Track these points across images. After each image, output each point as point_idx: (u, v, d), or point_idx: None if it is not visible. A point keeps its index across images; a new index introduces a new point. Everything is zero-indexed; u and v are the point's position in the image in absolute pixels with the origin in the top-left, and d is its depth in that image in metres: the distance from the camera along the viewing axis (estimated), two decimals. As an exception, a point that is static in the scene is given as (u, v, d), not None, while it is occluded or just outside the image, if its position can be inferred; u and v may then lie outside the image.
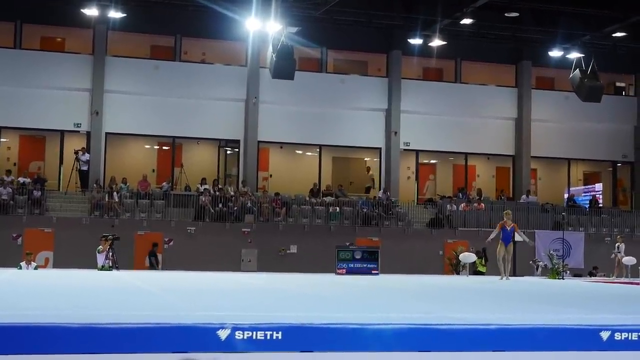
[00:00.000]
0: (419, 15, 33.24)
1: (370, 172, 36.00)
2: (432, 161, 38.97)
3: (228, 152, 35.66)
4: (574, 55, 33.69)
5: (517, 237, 22.48)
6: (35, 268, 23.72)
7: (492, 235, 21.58)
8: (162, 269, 28.92)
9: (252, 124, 34.17)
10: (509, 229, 20.88)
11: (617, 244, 29.42)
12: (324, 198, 33.59)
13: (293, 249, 31.52)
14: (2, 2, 31.78)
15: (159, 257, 30.11)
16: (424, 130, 36.55)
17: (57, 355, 6.74)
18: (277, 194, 32.93)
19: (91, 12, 30.95)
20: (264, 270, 28.81)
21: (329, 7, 31.61)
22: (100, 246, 22.11)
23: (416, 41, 34.28)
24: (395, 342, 7.45)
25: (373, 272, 23.68)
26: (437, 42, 33.99)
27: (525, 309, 10.57)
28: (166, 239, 30.46)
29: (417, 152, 37.21)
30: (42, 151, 33.85)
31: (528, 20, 34.84)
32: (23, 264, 23.56)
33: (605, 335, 7.65)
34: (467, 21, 32.79)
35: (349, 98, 35.68)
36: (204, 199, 31.38)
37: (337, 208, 33.01)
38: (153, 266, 29.58)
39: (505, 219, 21.18)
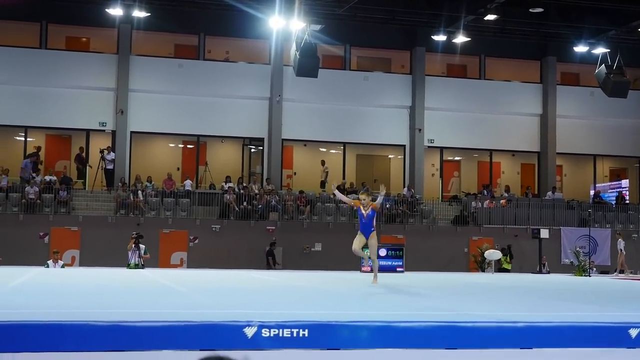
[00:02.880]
0: (442, 11, 33.11)
1: (325, 166, 35.67)
2: (457, 158, 38.83)
3: (252, 150, 35.73)
4: (600, 50, 33.44)
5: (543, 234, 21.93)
6: (62, 266, 23.93)
7: (340, 196, 16.72)
8: (278, 268, 29.07)
9: (276, 121, 34.23)
10: (365, 213, 14.47)
11: (618, 240, 29.16)
12: (348, 195, 33.53)
13: (317, 247, 31.53)
14: (28, 3, 32.04)
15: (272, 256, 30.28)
16: (448, 127, 36.43)
17: (86, 353, 6.80)
18: (301, 191, 32.97)
19: (115, 11, 31.13)
20: (289, 268, 28.90)
21: (352, 5, 31.57)
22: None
23: (440, 38, 34.15)
24: (421, 340, 7.45)
25: (398, 269, 23.68)
26: (461, 39, 33.84)
27: (552, 306, 10.52)
28: (191, 237, 30.58)
29: (442, 149, 37.10)
30: (68, 150, 34.09)
31: (553, 16, 34.59)
32: (50, 262, 23.76)
33: (634, 332, 7.60)
34: (491, 17, 32.61)
35: (373, 95, 35.64)
36: (228, 197, 31.47)
37: (362, 205, 32.91)
38: (270, 266, 29.69)
39: (361, 198, 14.55)
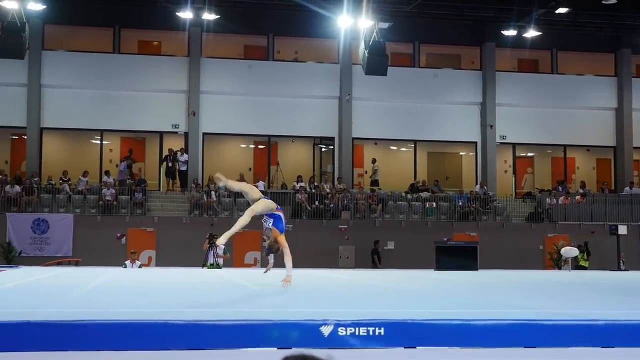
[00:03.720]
0: (512, 6, 32.67)
1: (375, 164, 35.33)
2: (530, 154, 38.26)
3: (323, 149, 35.82)
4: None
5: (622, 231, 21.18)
6: (140, 266, 24.33)
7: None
8: (381, 267, 29.26)
9: (346, 120, 34.25)
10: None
11: None
12: (420, 194, 33.40)
13: (390, 245, 31.44)
14: (101, 9, 32.72)
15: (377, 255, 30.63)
16: (521, 123, 35.92)
17: (163, 352, 6.91)
18: (372, 190, 32.93)
19: (186, 15, 31.55)
20: (362, 267, 28.90)
21: (420, 2, 31.39)
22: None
23: (510, 32, 33.71)
24: (500, 338, 7.38)
25: (472, 267, 23.45)
26: (531, 33, 33.33)
27: (633, 303, 10.31)
28: (264, 237, 30.75)
29: (514, 145, 36.61)
30: (143, 152, 34.69)
31: (626, 7, 33.82)
32: (128, 262, 24.19)
33: None
34: (562, 10, 32.04)
35: (443, 92, 35.38)
36: (300, 196, 31.62)
37: (434, 203, 32.78)
38: (375, 264, 29.92)
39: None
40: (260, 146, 35.65)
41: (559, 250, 28.74)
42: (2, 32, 27.26)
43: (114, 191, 30.61)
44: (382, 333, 7.25)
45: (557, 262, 29.95)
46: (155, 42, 35.66)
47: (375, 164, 34.90)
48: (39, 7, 29.87)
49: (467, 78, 35.72)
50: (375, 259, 30.41)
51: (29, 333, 6.78)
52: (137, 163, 34.07)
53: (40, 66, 32.34)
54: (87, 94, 32.87)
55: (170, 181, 33.10)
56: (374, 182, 34.46)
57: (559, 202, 33.37)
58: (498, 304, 9.93)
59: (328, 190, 32.44)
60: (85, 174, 31.77)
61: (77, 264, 27.67)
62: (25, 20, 27.68)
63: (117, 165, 33.91)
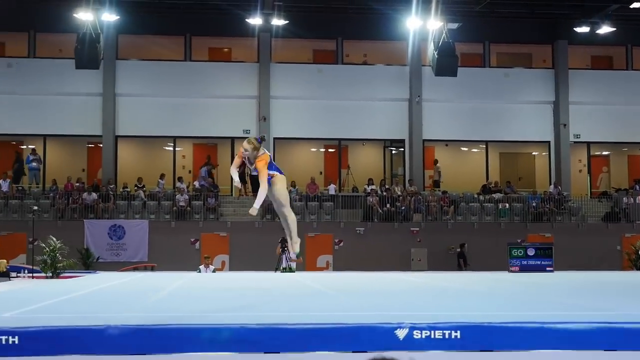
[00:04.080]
0: (584, 2, 32.09)
1: (437, 165, 34.90)
2: (605, 153, 37.47)
3: (393, 151, 35.72)
4: None
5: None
6: (214, 271, 24.62)
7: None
8: (468, 269, 29.10)
9: (416, 122, 34.09)
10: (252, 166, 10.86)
11: None
12: (492, 195, 33.04)
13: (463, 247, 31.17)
14: (173, 18, 33.24)
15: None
16: (595, 121, 35.21)
17: (240, 355, 6.98)
18: (444, 192, 32.70)
19: (255, 21, 31.82)
20: (434, 269, 28.72)
21: (490, 1, 31.07)
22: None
23: (583, 29, 33.08)
24: (579, 341, 7.26)
25: (547, 269, 23.10)
26: (605, 29, 32.65)
27: None
28: (336, 240, 30.87)
29: (588, 144, 35.90)
30: (215, 158, 35.09)
31: None
32: (202, 267, 24.51)
33: None
34: (637, 5, 31.32)
35: (514, 92, 34.93)
36: (371, 199, 31.59)
37: (507, 204, 32.38)
38: (461, 267, 29.96)
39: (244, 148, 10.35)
40: (330, 150, 35.74)
41: (638, 250, 28.11)
42: (78, 43, 27.95)
43: (187, 197, 31.05)
44: (459, 336, 7.20)
45: (635, 263, 29.22)
46: (226, 49, 36.06)
47: (437, 164, 34.68)
48: (113, 17, 30.54)
49: (539, 77, 35.20)
50: (461, 262, 30.13)
51: (110, 337, 6.93)
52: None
53: (114, 76, 33.03)
54: (160, 102, 33.42)
55: (242, 186, 33.36)
56: (436, 184, 34.27)
57: (637, 201, 32.61)
58: (575, 306, 9.76)
59: (399, 193, 32.33)
60: (162, 176, 32.39)
61: (152, 269, 28.16)
62: (99, 31, 28.34)
63: (190, 172, 34.41)
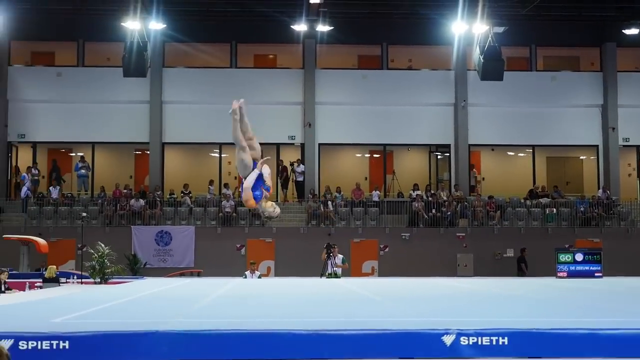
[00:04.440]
0: (633, 3, 31.63)
1: (473, 170, 34.55)
2: (656, 156, 36.88)
3: (439, 156, 35.55)
4: None
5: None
6: (259, 277, 24.70)
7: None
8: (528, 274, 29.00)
9: (462, 127, 33.88)
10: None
11: None
12: (539, 199, 32.69)
13: (509, 253, 30.88)
14: (218, 25, 33.48)
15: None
16: (645, 125, 34.67)
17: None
18: (490, 197, 32.43)
19: (300, 27, 31.92)
20: (480, 275, 28.48)
21: (536, 4, 30.76)
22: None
23: (631, 31, 32.61)
24: (627, 348, 7.16)
25: (596, 274, 22.75)
26: (654, 31, 32.17)
27: None
28: (381, 246, 30.81)
29: (638, 147, 35.29)
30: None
31: None
32: (247, 273, 24.60)
33: None
34: (687, 6, 30.82)
35: (561, 95, 34.53)
36: (417, 204, 31.47)
37: (554, 209, 32.01)
38: (522, 272, 29.83)
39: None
40: (375, 155, 35.68)
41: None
42: (126, 52, 28.30)
43: (233, 203, 31.23)
44: (506, 342, 7.15)
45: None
46: (271, 56, 36.23)
47: (473, 170, 34.51)
48: (160, 26, 30.88)
49: (586, 80, 34.76)
50: (522, 267, 29.76)
51: (158, 342, 7.00)
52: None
53: (161, 83, 33.38)
54: (206, 109, 33.64)
55: (284, 192, 33.54)
56: (472, 189, 34.06)
57: (688, 206, 32.02)
58: (626, 312, 9.61)
59: (445, 198, 32.16)
60: (211, 182, 32.64)
61: (199, 274, 28.34)
62: (146, 39, 28.67)
63: (235, 178, 34.58)
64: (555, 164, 35.90)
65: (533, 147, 35.06)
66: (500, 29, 30.31)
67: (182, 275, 28.25)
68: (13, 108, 33.21)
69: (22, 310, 10.12)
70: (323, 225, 31.05)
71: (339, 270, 22.72)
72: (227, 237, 30.42)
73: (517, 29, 32.16)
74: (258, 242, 30.47)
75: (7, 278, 20.20)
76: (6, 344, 6.73)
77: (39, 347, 6.89)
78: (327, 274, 22.59)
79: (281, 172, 33.56)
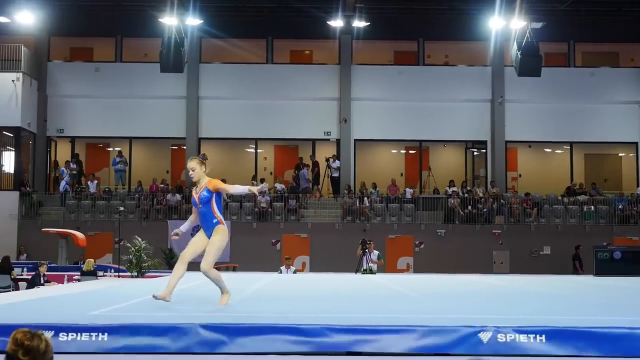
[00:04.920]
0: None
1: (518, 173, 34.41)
2: (697, 152, 36.33)
3: (475, 153, 35.36)
4: None
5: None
6: (294, 272, 24.77)
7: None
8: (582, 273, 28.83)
9: (498, 123, 33.66)
10: (197, 196, 9.54)
11: None
12: (577, 197, 32.38)
13: (546, 250, 30.66)
14: (255, 21, 33.61)
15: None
16: (686, 121, 34.19)
17: (322, 357, 7.01)
18: (527, 194, 32.20)
19: (336, 23, 31.94)
20: (517, 272, 28.29)
21: (575, -1, 30.50)
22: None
23: (672, 26, 32.24)
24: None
25: (635, 273, 22.49)
26: (696, 26, 31.71)
27: None
28: (417, 242, 30.74)
29: (678, 144, 34.90)
30: (295, 160, 35.29)
31: None
32: (283, 268, 24.68)
33: None
34: None
35: (600, 92, 34.15)
36: (452, 201, 31.34)
37: (592, 207, 31.70)
38: (577, 270, 29.68)
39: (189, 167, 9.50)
40: (411, 151, 35.58)
41: None
42: (163, 47, 28.50)
43: (269, 198, 31.33)
44: (544, 340, 7.09)
45: None
46: (307, 51, 36.28)
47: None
48: (197, 22, 31.06)
49: (626, 76, 34.36)
50: (576, 265, 29.41)
51: (197, 335, 7.05)
52: (291, 171, 34.77)
53: (197, 79, 33.58)
54: (242, 104, 33.81)
55: (316, 187, 33.54)
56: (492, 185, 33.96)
57: None
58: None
59: (481, 195, 31.99)
60: (253, 177, 32.71)
61: (234, 269, 28.47)
62: (183, 35, 28.84)
63: (271, 173, 34.72)
64: (593, 161, 35.55)
65: (571, 144, 34.73)
66: (538, 25, 30.03)
67: (217, 269, 28.29)
68: (52, 103, 33.62)
69: (61, 302, 10.25)
70: (358, 221, 31.05)
71: (374, 267, 22.70)
72: (263, 232, 30.56)
73: (555, 25, 31.85)
74: (293, 237, 30.56)
75: (46, 271, 20.50)
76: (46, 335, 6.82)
77: (79, 338, 6.97)
78: (362, 269, 22.59)
79: (313, 168, 33.61)
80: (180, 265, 9.40)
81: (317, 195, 33.29)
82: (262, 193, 8.55)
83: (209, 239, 9.39)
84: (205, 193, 9.33)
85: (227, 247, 29.87)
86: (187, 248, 9.50)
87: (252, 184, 32.83)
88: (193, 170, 9.38)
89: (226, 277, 19.66)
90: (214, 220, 9.35)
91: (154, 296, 9.28)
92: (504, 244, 30.58)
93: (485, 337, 7.16)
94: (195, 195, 9.47)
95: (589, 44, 35.23)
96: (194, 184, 9.63)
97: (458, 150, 35.52)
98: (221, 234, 9.38)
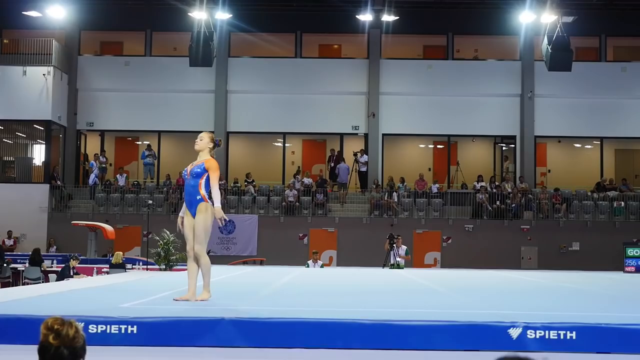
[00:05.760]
0: None
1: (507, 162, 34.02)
2: None
3: (504, 148, 35.12)
4: None
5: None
6: (321, 266, 24.79)
7: None
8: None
9: (527, 118, 33.40)
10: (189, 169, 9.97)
11: None
12: (607, 193, 32.08)
13: (575, 246, 30.41)
14: (284, 15, 33.60)
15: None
16: None
17: (349, 351, 7.01)
18: (556, 189, 31.94)
19: (365, 17, 31.85)
20: (545, 268, 28.12)
21: (606, -7, 30.20)
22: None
23: None
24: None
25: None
26: None
27: None
28: (444, 237, 30.62)
29: None
30: (324, 154, 35.27)
31: None
32: (310, 262, 24.71)
33: None
34: None
35: (632, 86, 33.74)
36: (481, 196, 31.18)
37: (622, 203, 31.39)
38: None
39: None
40: (439, 146, 35.42)
41: None
42: (192, 41, 28.59)
43: (296, 192, 31.36)
44: (574, 337, 7.04)
45: None
46: (336, 46, 36.21)
47: (507, 162, 34.30)
48: (226, 16, 31.11)
49: (658, 71, 33.95)
50: None
51: (225, 329, 7.07)
52: (319, 165, 34.78)
53: (226, 73, 33.64)
54: (270, 98, 33.83)
55: (331, 182, 33.38)
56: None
57: None
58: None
59: (509, 190, 31.79)
60: (296, 175, 32.70)
61: (262, 263, 28.56)
62: (213, 29, 28.90)
63: (299, 167, 34.72)
64: (624, 156, 35.19)
65: (601, 139, 34.38)
66: (569, 19, 29.75)
67: (245, 263, 28.48)
68: (82, 97, 33.85)
69: (91, 295, 10.33)
70: (386, 215, 30.98)
71: (401, 261, 22.66)
72: (290, 226, 30.59)
73: (587, 19, 31.54)
74: (320, 231, 30.56)
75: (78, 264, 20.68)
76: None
77: (108, 331, 7.03)
78: (389, 264, 22.56)
79: (331, 158, 33.49)
80: (191, 263, 9.29)
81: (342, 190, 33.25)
82: (219, 219, 8.21)
83: (194, 218, 9.21)
84: (198, 169, 9.45)
85: (254, 241, 30.20)
86: (187, 242, 9.35)
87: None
88: (201, 140, 9.59)
89: (254, 270, 19.73)
90: (198, 197, 9.26)
91: (175, 299, 9.23)
92: (532, 240, 30.37)
93: (514, 333, 7.13)
94: (189, 167, 9.53)
95: (620, 38, 34.83)
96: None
97: (487, 145, 35.32)
98: (204, 213, 9.18)
